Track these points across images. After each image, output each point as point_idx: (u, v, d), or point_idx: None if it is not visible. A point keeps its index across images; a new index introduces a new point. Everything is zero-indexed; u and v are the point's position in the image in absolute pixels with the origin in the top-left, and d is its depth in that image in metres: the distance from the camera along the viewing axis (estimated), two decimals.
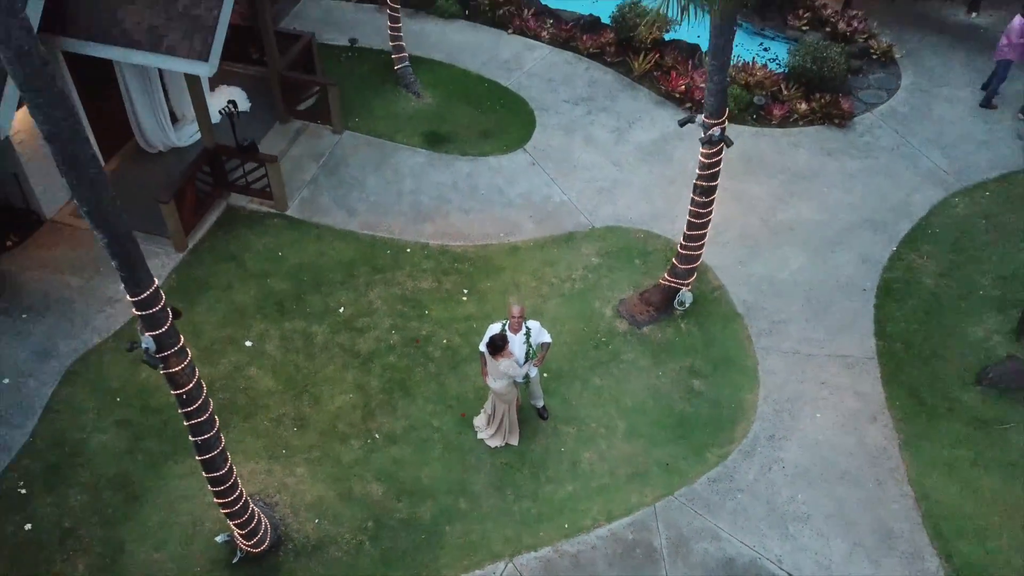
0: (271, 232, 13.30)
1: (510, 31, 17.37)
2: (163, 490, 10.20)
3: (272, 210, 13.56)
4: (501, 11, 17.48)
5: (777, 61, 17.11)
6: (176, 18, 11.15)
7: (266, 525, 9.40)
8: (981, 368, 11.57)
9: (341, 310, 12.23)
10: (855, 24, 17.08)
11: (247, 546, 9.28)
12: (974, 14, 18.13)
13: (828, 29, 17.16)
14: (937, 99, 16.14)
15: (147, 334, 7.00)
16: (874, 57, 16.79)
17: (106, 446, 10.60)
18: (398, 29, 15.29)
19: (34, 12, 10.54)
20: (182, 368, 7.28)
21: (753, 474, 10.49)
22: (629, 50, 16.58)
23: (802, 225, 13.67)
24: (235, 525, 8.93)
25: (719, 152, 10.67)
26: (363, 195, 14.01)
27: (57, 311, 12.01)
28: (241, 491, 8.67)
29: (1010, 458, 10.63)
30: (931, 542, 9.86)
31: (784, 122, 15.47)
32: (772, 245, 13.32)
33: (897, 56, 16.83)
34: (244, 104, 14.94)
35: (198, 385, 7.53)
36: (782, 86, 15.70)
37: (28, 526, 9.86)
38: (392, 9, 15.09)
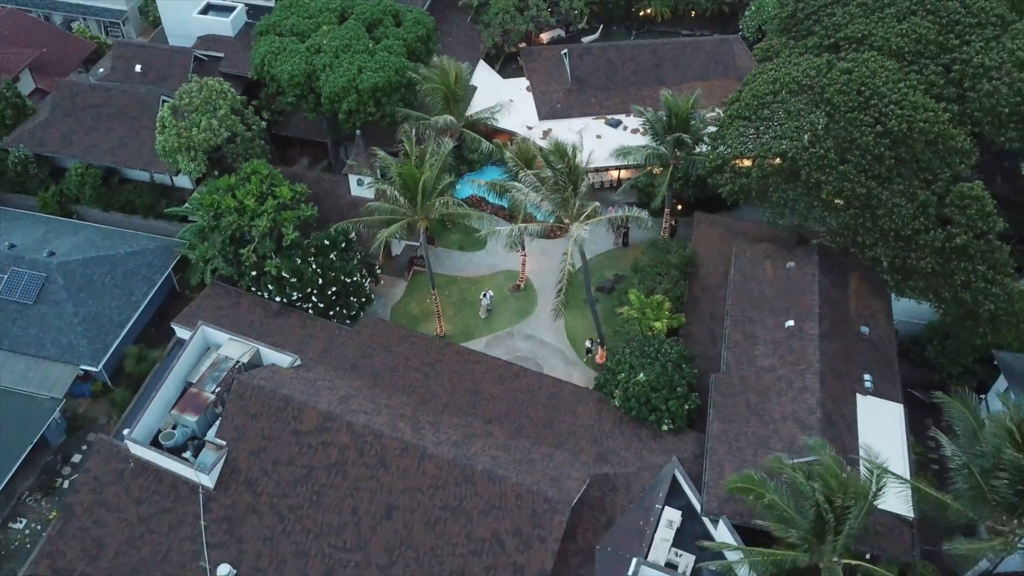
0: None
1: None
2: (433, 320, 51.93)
3: (423, 270, 55.11)
4: None
5: None
6: None
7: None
8: None
9: (452, 291, 54.10)
10: None
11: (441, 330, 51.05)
12: None
13: None
14: None
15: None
16: None
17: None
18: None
19: None
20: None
21: (543, 317, 52.30)
22: None
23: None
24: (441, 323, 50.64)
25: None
26: (448, 265, 55.81)
27: (380, 299, 53.85)
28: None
29: None
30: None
31: None
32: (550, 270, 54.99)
33: None
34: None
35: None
36: None
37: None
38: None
